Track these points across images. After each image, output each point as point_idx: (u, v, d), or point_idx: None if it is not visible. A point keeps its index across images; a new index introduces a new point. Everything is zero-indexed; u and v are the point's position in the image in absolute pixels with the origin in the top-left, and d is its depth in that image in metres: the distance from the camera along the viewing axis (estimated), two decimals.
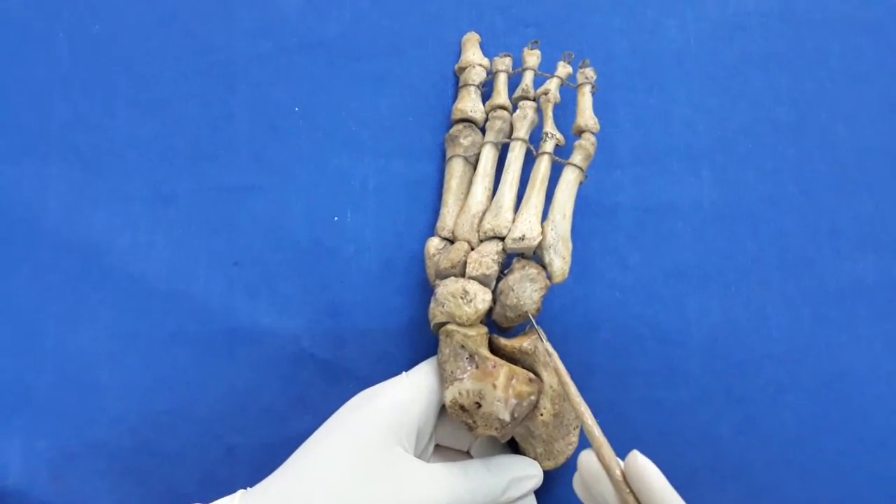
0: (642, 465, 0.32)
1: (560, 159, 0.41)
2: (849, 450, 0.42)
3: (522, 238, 0.39)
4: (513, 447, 0.41)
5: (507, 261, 0.40)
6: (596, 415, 0.42)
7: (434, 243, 0.42)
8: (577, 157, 0.40)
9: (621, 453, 0.42)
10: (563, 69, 0.43)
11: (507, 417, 0.36)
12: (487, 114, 0.43)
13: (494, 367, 0.37)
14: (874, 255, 0.44)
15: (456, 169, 0.43)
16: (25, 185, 0.46)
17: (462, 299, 0.38)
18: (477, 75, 0.44)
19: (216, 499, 0.35)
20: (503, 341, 0.39)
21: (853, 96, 0.46)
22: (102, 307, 0.45)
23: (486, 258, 0.39)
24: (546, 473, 0.39)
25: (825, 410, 0.43)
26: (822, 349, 0.43)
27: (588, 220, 0.45)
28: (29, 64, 0.47)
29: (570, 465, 0.41)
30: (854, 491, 0.42)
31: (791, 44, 0.46)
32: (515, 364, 0.39)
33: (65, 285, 0.45)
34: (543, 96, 0.42)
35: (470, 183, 0.42)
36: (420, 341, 0.44)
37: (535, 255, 0.40)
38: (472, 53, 0.45)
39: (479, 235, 0.40)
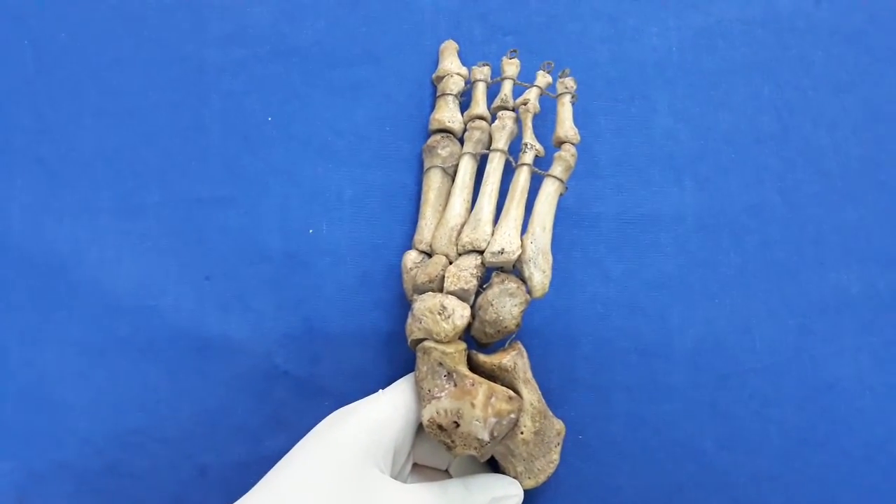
0: None
1: (540, 171, 0.40)
2: (834, 463, 0.42)
3: (502, 252, 0.38)
4: (492, 465, 0.40)
5: (486, 275, 0.39)
6: (578, 430, 0.42)
7: (411, 257, 0.41)
8: (557, 169, 0.39)
9: (604, 469, 0.42)
10: (543, 78, 0.43)
11: (486, 437, 0.35)
12: (466, 124, 0.43)
13: (473, 384, 0.36)
14: (858, 266, 0.44)
15: (434, 180, 0.42)
16: None
17: (440, 315, 0.37)
18: (455, 84, 0.43)
19: None
20: (482, 358, 0.38)
21: (836, 105, 0.45)
22: (68, 323, 0.43)
23: (464, 272, 0.38)
24: (526, 492, 0.38)
25: (810, 423, 0.42)
26: (806, 362, 0.43)
27: (569, 230, 0.44)
28: None
29: (552, 484, 0.41)
30: None
31: (773, 52, 0.46)
32: (495, 381, 0.38)
33: (29, 301, 0.43)
34: (523, 106, 0.41)
35: (448, 195, 0.41)
36: (397, 357, 0.43)
37: (515, 269, 0.39)
38: (450, 62, 0.44)
39: (457, 249, 0.39)
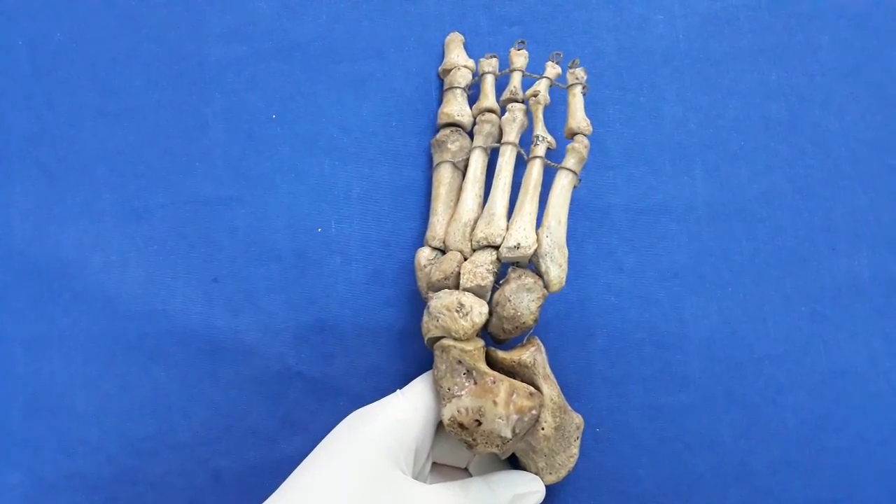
0: None
1: (553, 163, 0.39)
2: (850, 448, 0.42)
3: (517, 246, 0.37)
4: (512, 462, 0.40)
5: (502, 270, 0.39)
6: (595, 423, 0.42)
7: (424, 254, 0.40)
8: (570, 161, 0.39)
9: (622, 461, 0.42)
10: (552, 69, 0.42)
11: (508, 434, 0.35)
12: (475, 117, 0.42)
13: (494, 382, 0.35)
14: (869, 251, 0.44)
15: (444, 175, 0.41)
16: None
17: (458, 312, 0.36)
18: (462, 77, 0.43)
19: None
20: (501, 354, 0.38)
21: (844, 90, 0.45)
22: (75, 330, 0.42)
23: (480, 268, 0.37)
24: (548, 488, 0.38)
25: (825, 410, 0.42)
26: (820, 348, 0.43)
27: (581, 222, 0.43)
28: None
29: (572, 479, 0.41)
30: (856, 489, 0.42)
31: (780, 38, 0.46)
32: (514, 378, 0.37)
33: (33, 308, 0.43)
34: (533, 98, 0.41)
35: (459, 190, 0.41)
36: (412, 355, 0.42)
37: (530, 264, 0.38)
38: (457, 55, 0.44)
39: (471, 244, 0.39)
